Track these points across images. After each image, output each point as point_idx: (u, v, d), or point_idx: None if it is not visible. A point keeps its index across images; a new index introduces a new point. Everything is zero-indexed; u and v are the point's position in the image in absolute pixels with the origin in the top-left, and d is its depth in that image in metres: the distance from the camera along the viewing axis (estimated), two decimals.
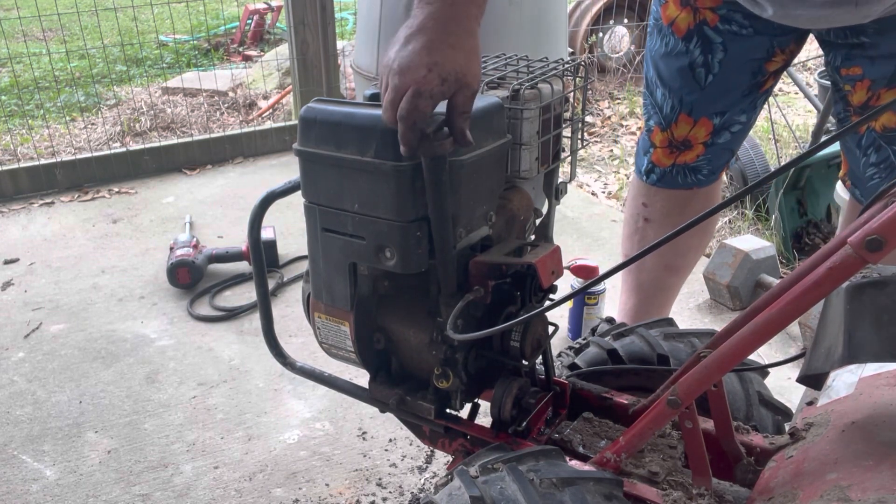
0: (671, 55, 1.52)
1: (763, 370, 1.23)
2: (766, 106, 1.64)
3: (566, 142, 1.16)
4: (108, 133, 3.83)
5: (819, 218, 2.67)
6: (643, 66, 1.66)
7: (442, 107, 0.90)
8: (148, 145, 3.38)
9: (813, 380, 0.98)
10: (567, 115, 1.15)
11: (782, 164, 2.69)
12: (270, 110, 4.07)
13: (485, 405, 1.16)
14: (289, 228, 2.77)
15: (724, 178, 2.92)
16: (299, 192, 1.04)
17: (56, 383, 2.00)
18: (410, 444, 1.74)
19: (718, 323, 2.19)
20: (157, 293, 2.42)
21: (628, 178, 3.33)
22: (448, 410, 1.14)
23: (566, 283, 2.22)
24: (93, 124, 4.00)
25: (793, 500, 0.82)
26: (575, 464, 0.97)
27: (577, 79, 1.13)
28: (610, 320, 1.89)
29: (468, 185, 0.97)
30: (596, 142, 3.81)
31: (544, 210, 1.22)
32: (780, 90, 4.52)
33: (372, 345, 1.12)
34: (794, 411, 1.19)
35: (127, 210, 3.04)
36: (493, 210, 1.05)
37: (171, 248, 2.48)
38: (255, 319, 2.26)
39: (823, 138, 1.46)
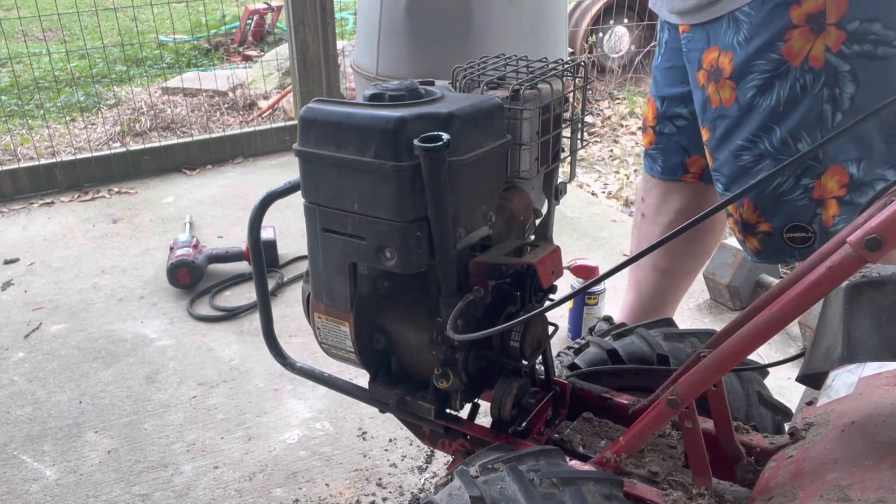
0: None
1: (763, 370, 1.23)
2: None
3: (566, 142, 1.16)
4: (108, 133, 3.83)
5: None
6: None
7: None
8: (148, 145, 3.39)
9: (812, 379, 0.98)
10: (567, 115, 1.14)
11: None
12: (270, 110, 4.07)
13: (485, 405, 1.16)
14: (289, 228, 2.77)
15: None
16: (299, 192, 1.04)
17: (56, 383, 2.00)
18: (410, 444, 1.74)
19: (718, 323, 2.19)
20: (157, 293, 2.42)
21: (628, 179, 3.33)
22: (448, 410, 1.14)
23: (566, 283, 2.22)
24: (93, 124, 4.00)
25: (793, 499, 0.82)
26: (575, 464, 0.97)
27: (577, 79, 1.13)
28: (607, 319, 1.89)
29: (468, 186, 0.97)
30: (596, 142, 3.81)
31: (544, 210, 1.22)
32: None
33: (372, 345, 1.12)
34: (794, 411, 1.19)
35: (127, 210, 3.04)
36: (492, 210, 1.05)
37: (171, 248, 2.48)
38: (255, 319, 2.26)
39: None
